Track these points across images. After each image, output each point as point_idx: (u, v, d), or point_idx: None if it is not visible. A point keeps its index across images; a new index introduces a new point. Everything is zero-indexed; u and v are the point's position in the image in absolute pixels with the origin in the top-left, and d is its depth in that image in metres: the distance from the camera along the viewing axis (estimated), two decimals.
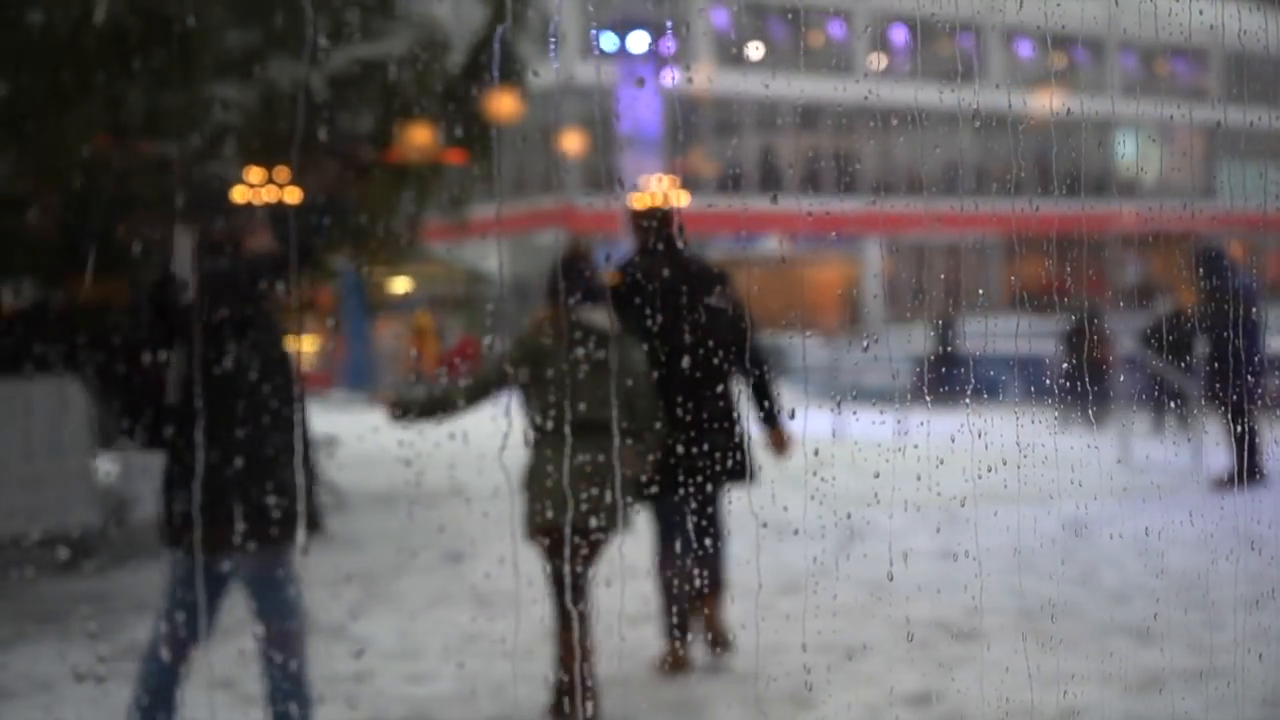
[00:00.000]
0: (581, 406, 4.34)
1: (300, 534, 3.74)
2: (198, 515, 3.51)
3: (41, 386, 7.35)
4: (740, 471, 4.78)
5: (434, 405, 4.40)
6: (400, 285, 21.77)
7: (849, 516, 4.95)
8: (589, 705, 4.42)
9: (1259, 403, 7.96)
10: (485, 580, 5.47)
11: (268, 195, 4.04)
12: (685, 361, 4.66)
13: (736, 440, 4.86)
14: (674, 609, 5.03)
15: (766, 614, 5.81)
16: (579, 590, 4.48)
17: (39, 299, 8.22)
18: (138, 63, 7.07)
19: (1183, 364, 8.95)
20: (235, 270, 3.70)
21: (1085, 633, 5.54)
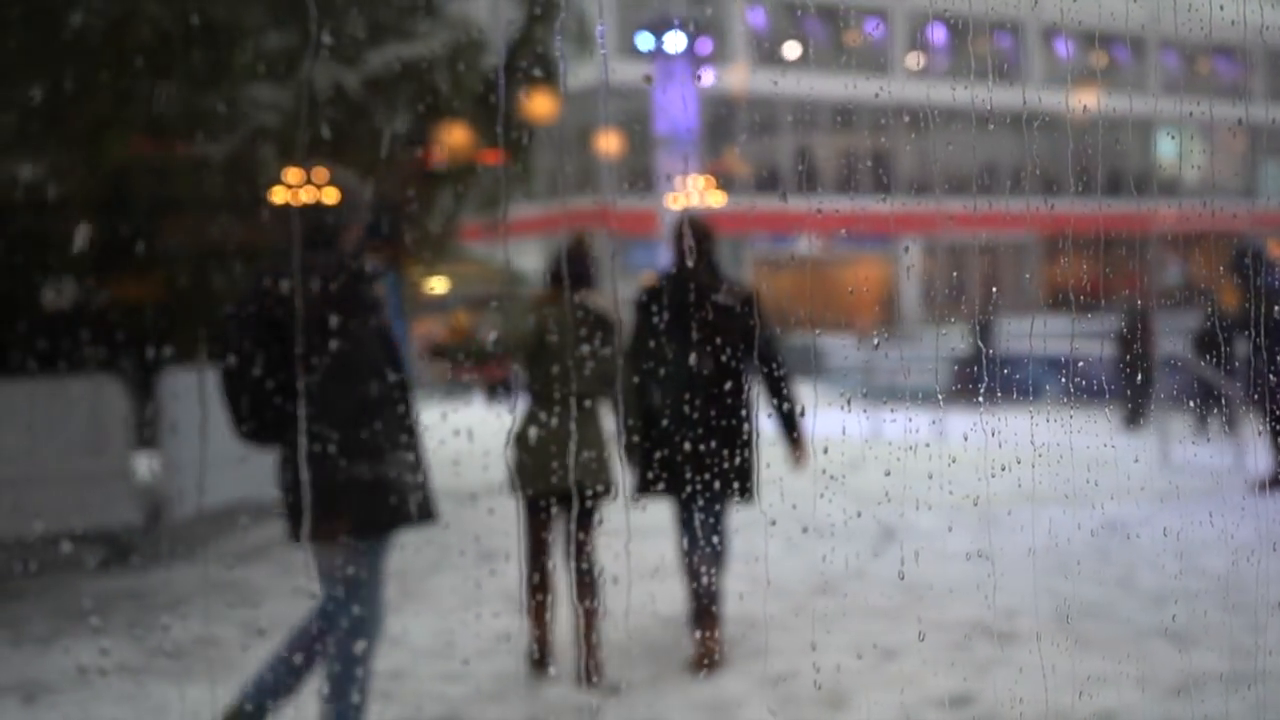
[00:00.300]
0: (572, 377, 4.78)
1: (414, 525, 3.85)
2: (320, 509, 3.61)
3: (82, 385, 7.42)
4: (748, 475, 5.00)
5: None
6: (438, 285, 21.84)
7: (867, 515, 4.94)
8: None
9: None
10: (519, 579, 5.48)
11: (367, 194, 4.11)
12: (705, 365, 4.88)
13: (749, 441, 5.02)
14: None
15: (799, 614, 5.80)
16: (580, 549, 4.81)
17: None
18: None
19: (1223, 365, 8.86)
20: (355, 268, 3.77)
21: (1124, 635, 5.49)
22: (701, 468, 4.88)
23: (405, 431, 3.73)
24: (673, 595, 5.27)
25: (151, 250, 8.00)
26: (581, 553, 4.81)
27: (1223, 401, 9.53)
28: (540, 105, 9.57)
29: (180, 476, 7.94)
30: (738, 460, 4.92)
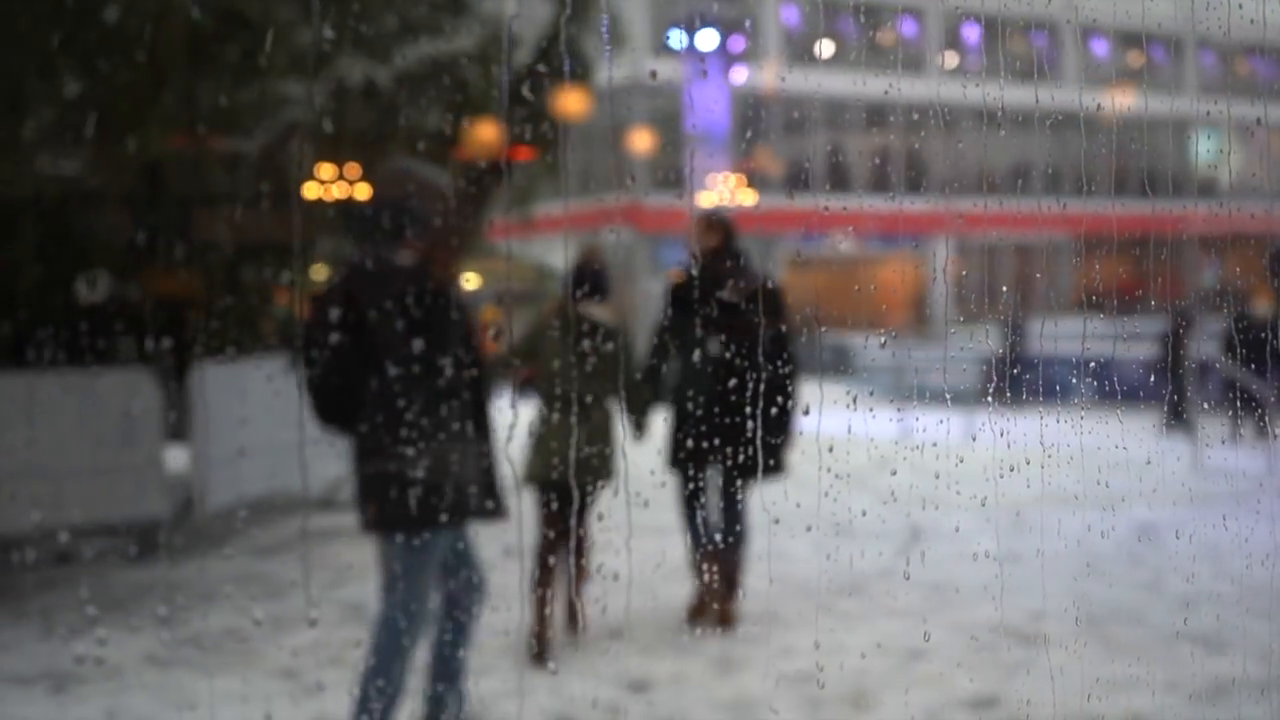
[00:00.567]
0: (579, 378, 5.25)
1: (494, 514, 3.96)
2: (404, 500, 3.69)
3: (117, 379, 7.47)
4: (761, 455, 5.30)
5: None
6: (468, 281, 21.91)
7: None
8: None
9: None
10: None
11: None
12: (712, 358, 5.24)
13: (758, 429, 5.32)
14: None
15: (826, 613, 5.78)
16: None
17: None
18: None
19: (1259, 368, 8.78)
20: (436, 262, 3.84)
21: (1153, 639, 5.45)
22: (716, 449, 5.26)
23: (481, 425, 3.86)
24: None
25: (194, 245, 8.07)
26: (583, 541, 5.26)
27: (1257, 404, 9.44)
28: (570, 102, 9.56)
29: (211, 470, 7.99)
30: (750, 443, 5.08)
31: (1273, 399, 8.70)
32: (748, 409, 5.04)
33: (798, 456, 5.21)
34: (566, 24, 8.65)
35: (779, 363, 5.42)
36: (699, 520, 5.76)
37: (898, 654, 5.20)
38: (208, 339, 7.88)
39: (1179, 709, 4.55)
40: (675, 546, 5.82)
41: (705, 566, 5.78)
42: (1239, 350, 9.18)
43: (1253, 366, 8.88)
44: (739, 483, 5.64)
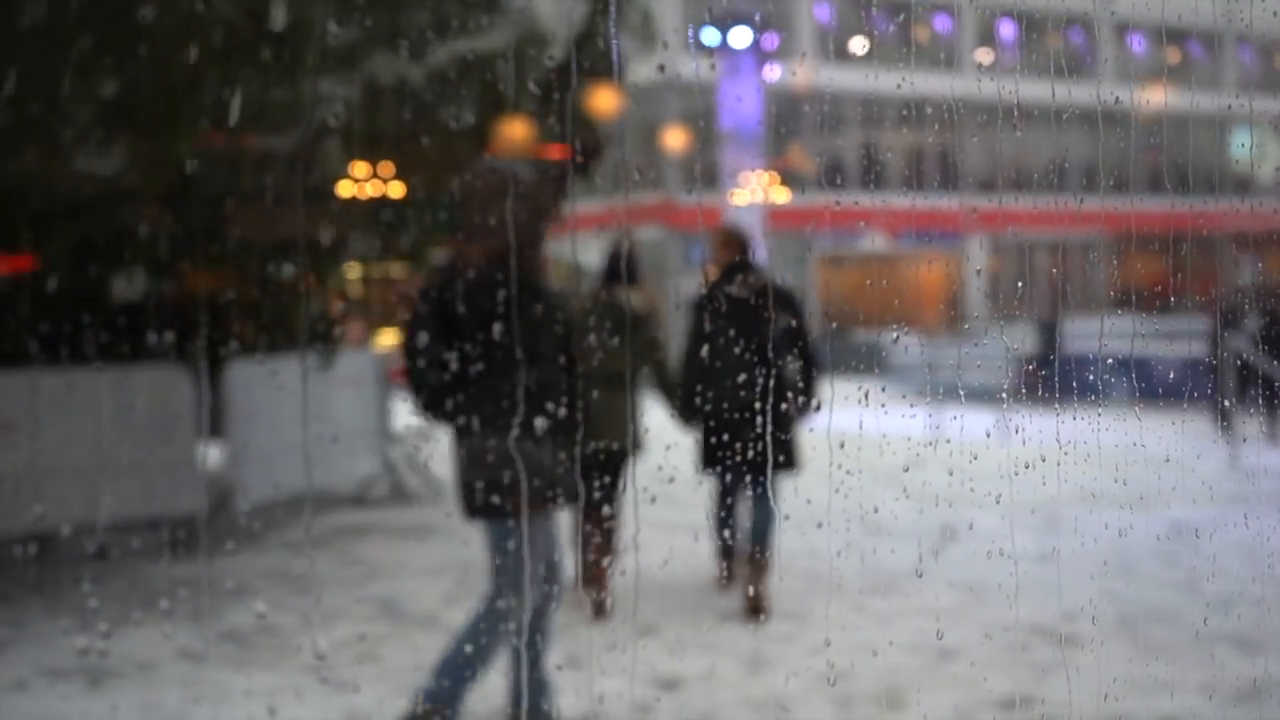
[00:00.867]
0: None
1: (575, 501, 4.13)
2: (497, 487, 3.79)
3: (149, 374, 7.52)
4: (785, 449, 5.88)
5: None
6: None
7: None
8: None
9: None
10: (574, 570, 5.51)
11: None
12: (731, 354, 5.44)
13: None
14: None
15: (859, 613, 5.76)
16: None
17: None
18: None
19: None
20: (532, 255, 3.92)
21: (1187, 640, 5.40)
22: (740, 441, 5.51)
23: (572, 414, 3.98)
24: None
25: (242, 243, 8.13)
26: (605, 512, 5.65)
27: None
28: (604, 100, 9.56)
29: (246, 466, 8.04)
30: (769, 437, 5.56)
31: None
32: (761, 407, 5.24)
33: (826, 454, 5.20)
34: (602, 21, 8.67)
35: (792, 361, 5.80)
36: (723, 513, 6.10)
37: (933, 653, 5.18)
38: (242, 336, 7.93)
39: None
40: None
41: (729, 558, 6.20)
42: (1273, 347, 9.08)
43: None
44: (759, 476, 5.88)
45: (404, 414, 9.79)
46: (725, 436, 5.48)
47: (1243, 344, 10.33)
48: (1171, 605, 5.99)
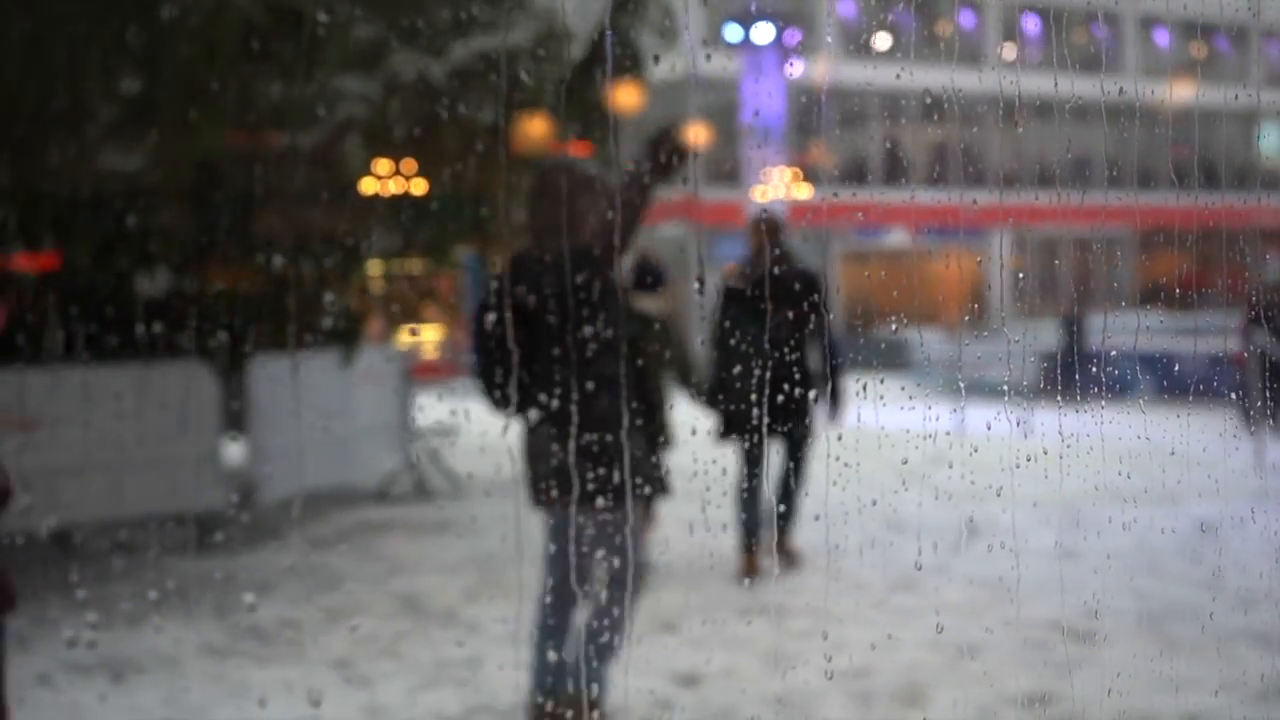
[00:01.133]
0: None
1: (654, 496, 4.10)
2: (569, 479, 3.84)
3: (173, 370, 7.55)
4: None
5: None
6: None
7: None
8: None
9: None
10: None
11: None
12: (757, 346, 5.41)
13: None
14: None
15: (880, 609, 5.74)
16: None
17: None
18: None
19: None
20: (603, 250, 3.95)
21: (1211, 638, 5.36)
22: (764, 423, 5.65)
23: (653, 408, 4.07)
24: None
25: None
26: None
27: None
28: (626, 96, 9.55)
29: (268, 462, 8.07)
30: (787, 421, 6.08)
31: None
32: (793, 385, 5.35)
33: (853, 453, 5.18)
34: (620, 18, 8.66)
35: (811, 347, 6.03)
36: (749, 485, 6.45)
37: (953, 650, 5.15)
38: (265, 333, 7.95)
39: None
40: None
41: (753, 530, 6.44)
42: None
43: None
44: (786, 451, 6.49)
45: (427, 410, 9.83)
46: (753, 412, 5.54)
47: (1269, 340, 10.24)
48: (1195, 602, 5.94)
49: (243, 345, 7.76)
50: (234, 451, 8.47)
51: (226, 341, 7.83)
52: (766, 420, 5.61)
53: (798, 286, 6.15)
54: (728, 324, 6.12)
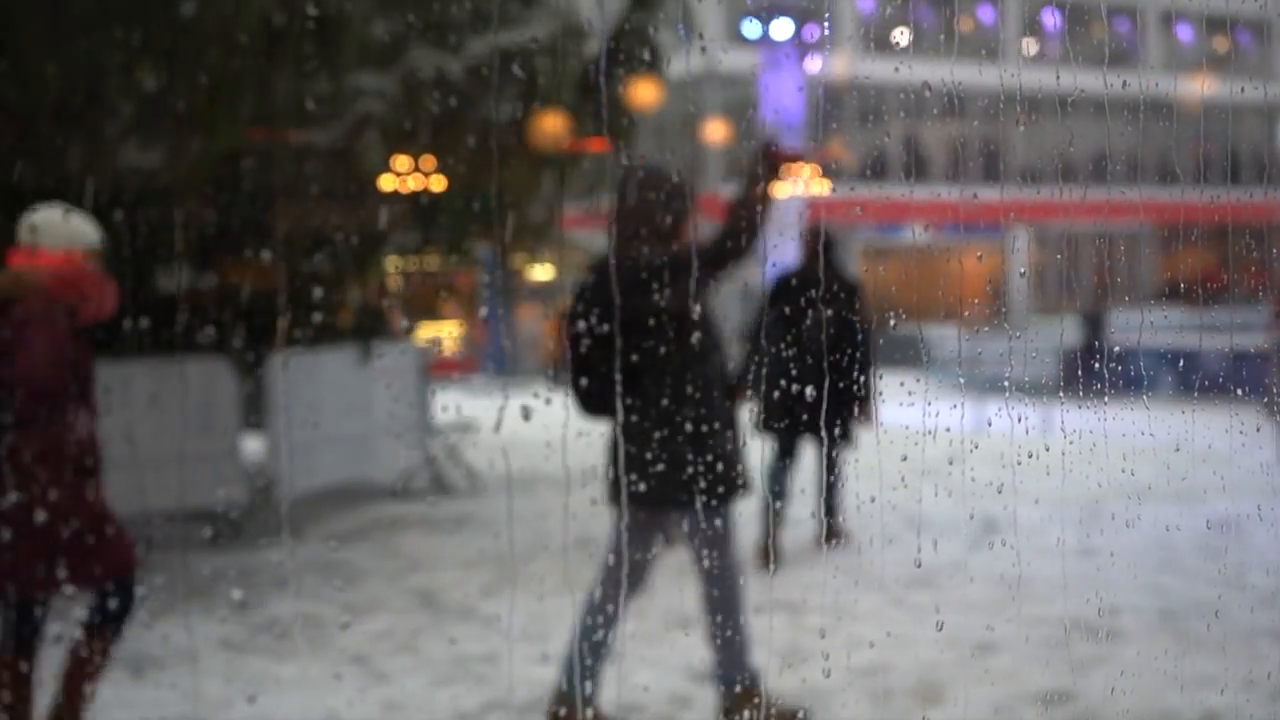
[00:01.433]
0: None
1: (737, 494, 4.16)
2: (656, 474, 3.92)
3: (194, 367, 7.57)
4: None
5: None
6: (543, 272, 22.00)
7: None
8: None
9: None
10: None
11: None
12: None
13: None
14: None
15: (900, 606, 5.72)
16: None
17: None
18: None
19: None
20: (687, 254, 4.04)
21: (1231, 634, 5.32)
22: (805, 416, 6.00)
23: (732, 409, 4.14)
24: None
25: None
26: None
27: None
28: (643, 93, 9.53)
29: (287, 458, 8.08)
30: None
31: None
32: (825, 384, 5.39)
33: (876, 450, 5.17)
34: (638, 15, 8.64)
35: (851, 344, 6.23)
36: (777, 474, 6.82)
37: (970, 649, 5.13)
38: (286, 329, 7.96)
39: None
40: None
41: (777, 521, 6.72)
42: None
43: None
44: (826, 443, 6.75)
45: (441, 407, 9.83)
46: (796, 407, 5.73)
47: None
48: (1216, 600, 5.91)
49: (261, 341, 7.77)
50: (253, 447, 8.49)
51: (245, 337, 7.84)
52: (807, 416, 5.88)
53: (843, 293, 6.71)
54: (776, 322, 6.29)
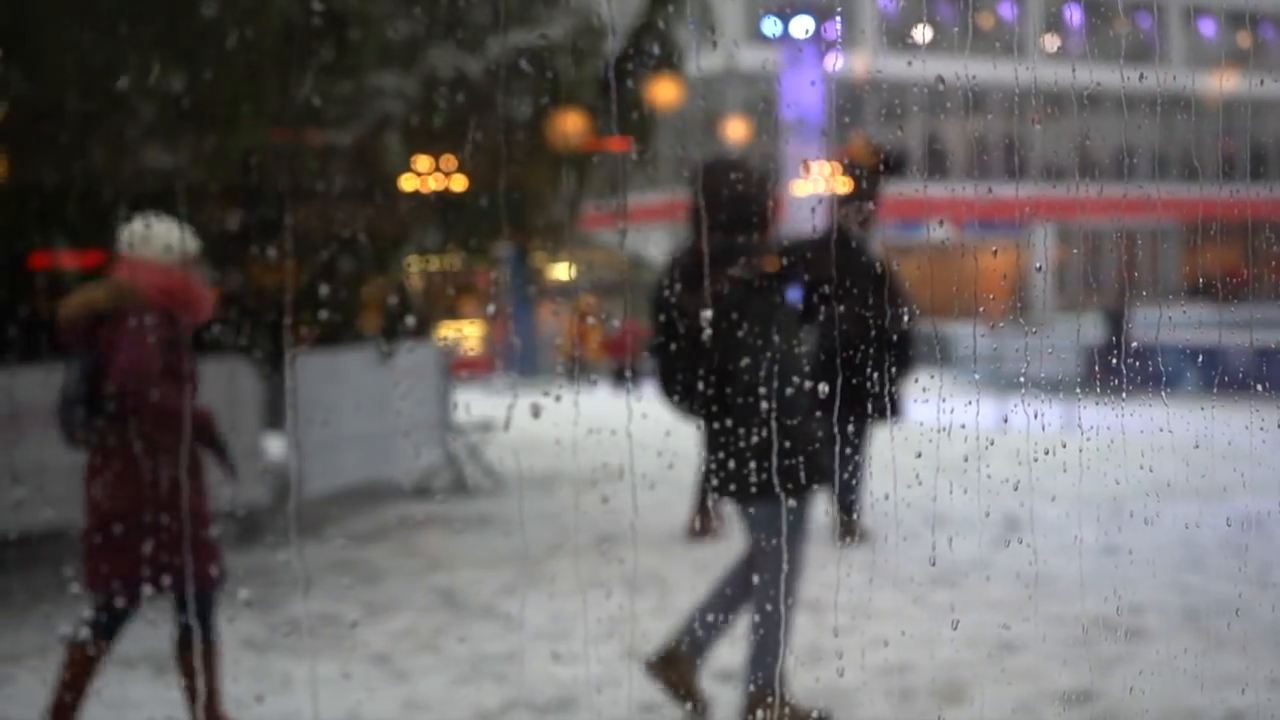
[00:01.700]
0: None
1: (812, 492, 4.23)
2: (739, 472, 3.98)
3: (215, 367, 7.60)
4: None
5: None
6: (562, 271, 22.00)
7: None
8: None
9: None
10: (632, 563, 5.48)
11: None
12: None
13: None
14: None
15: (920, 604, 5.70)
16: None
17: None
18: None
19: None
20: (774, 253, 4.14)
21: (1257, 633, 5.29)
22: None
23: (815, 404, 4.16)
24: None
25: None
26: None
27: None
28: (663, 91, 9.53)
29: (307, 458, 8.11)
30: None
31: None
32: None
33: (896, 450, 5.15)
34: (657, 14, 8.64)
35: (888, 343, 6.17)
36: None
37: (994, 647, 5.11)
38: (307, 329, 7.99)
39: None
40: None
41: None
42: None
43: None
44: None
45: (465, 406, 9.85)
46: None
47: None
48: (1238, 598, 5.87)
49: (282, 340, 7.80)
50: (274, 446, 8.51)
51: (266, 337, 7.86)
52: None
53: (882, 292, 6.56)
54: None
